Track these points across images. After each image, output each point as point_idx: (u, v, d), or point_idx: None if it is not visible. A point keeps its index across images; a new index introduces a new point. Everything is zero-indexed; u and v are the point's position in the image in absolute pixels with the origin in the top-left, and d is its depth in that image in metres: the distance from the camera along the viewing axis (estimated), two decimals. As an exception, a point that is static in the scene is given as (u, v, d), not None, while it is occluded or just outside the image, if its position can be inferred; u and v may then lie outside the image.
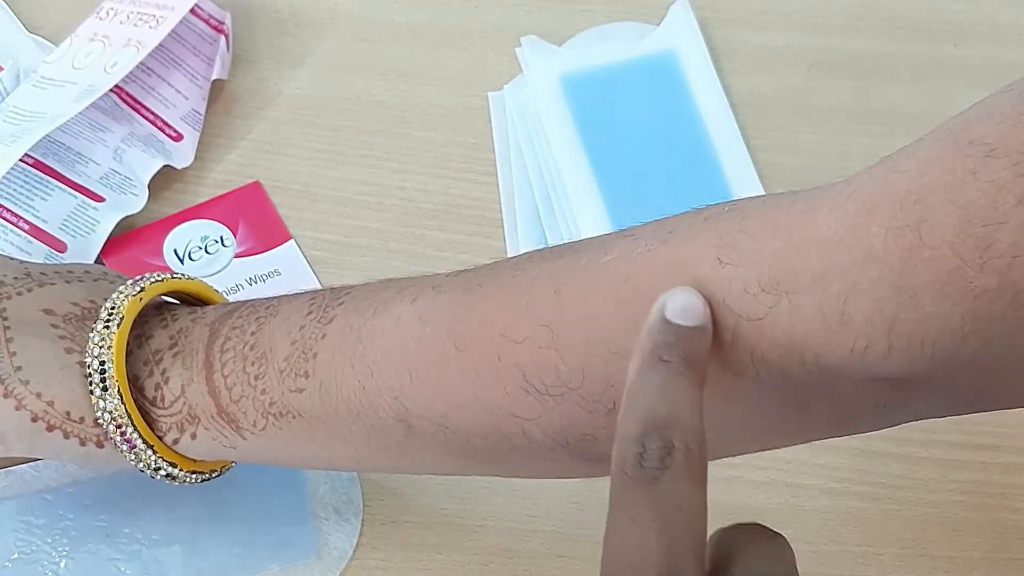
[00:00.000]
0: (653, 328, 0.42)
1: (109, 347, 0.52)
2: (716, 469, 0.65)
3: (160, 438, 0.53)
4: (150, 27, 0.73)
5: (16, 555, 0.60)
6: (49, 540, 0.61)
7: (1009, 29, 0.80)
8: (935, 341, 0.40)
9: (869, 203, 0.41)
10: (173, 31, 0.74)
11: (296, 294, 0.54)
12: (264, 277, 0.71)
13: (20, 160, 0.69)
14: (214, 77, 0.75)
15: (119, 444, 0.53)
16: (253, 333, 0.52)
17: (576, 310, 0.45)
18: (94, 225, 0.70)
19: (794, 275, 0.42)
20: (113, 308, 0.54)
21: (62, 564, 0.60)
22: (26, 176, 0.70)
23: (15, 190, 0.69)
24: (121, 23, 0.74)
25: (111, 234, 0.70)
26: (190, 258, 0.71)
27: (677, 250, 0.45)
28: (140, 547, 0.61)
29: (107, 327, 0.53)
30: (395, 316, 0.49)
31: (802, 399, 0.44)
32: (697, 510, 0.39)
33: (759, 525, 0.42)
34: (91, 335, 0.53)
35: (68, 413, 0.53)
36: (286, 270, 0.71)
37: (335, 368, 0.50)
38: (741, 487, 0.65)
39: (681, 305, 0.42)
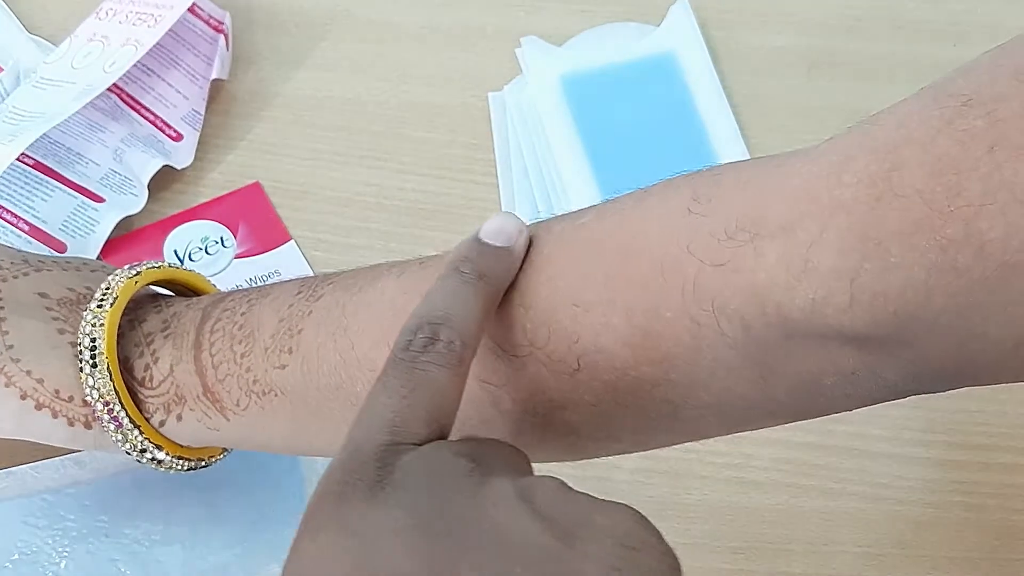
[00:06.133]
0: (462, 243, 0.46)
1: (101, 325, 0.53)
2: (716, 469, 0.66)
3: (147, 420, 0.53)
4: (148, 26, 0.73)
5: (16, 555, 0.60)
6: (49, 540, 0.61)
7: (1009, 29, 0.79)
8: (899, 296, 0.40)
9: (844, 154, 0.41)
10: (172, 31, 0.74)
11: (290, 279, 0.55)
12: (264, 278, 0.71)
13: (20, 161, 0.69)
14: (213, 77, 0.75)
15: (106, 424, 0.53)
16: (243, 314, 0.53)
17: (545, 268, 0.46)
18: (94, 225, 0.70)
19: (762, 221, 0.42)
20: (108, 289, 0.54)
21: (62, 564, 0.60)
22: (26, 177, 0.70)
23: (15, 191, 0.69)
24: (120, 23, 0.74)
25: (111, 235, 0.70)
26: (190, 258, 0.71)
27: (650, 203, 0.45)
28: (140, 547, 0.61)
29: (100, 306, 0.53)
30: (379, 290, 0.50)
31: (764, 359, 0.44)
32: (444, 390, 0.42)
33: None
34: (84, 314, 0.53)
35: (57, 391, 0.53)
36: (286, 270, 0.71)
37: (318, 343, 0.50)
38: (741, 487, 0.65)
39: (495, 226, 0.46)
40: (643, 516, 0.38)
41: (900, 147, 0.40)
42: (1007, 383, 0.43)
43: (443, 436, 0.42)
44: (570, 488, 0.40)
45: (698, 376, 0.45)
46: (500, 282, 0.46)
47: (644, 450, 0.52)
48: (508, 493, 0.38)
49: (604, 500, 0.39)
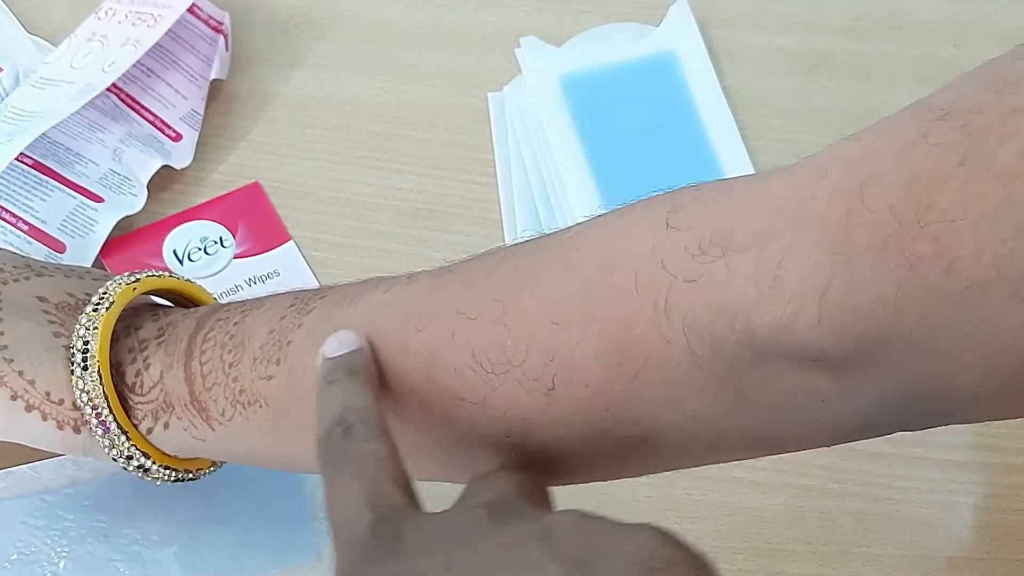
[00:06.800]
0: (320, 367, 0.47)
1: (95, 328, 0.53)
2: (716, 470, 0.65)
3: (135, 426, 0.53)
4: (148, 26, 0.73)
5: (15, 556, 0.60)
6: (48, 541, 0.61)
7: (1009, 30, 0.80)
8: (868, 314, 0.39)
9: (819, 168, 0.41)
10: (172, 31, 0.74)
11: (286, 291, 0.54)
12: (263, 278, 0.71)
13: (19, 161, 0.69)
14: (213, 77, 0.75)
15: (94, 428, 0.53)
16: (236, 323, 0.53)
17: (528, 282, 0.46)
18: (93, 225, 0.70)
19: (734, 235, 0.41)
20: (105, 293, 0.54)
21: (61, 565, 0.60)
22: (25, 177, 0.70)
23: (14, 191, 0.69)
24: (119, 22, 0.74)
25: (110, 235, 0.70)
26: (189, 259, 0.71)
27: (630, 218, 0.45)
28: (139, 548, 0.61)
29: (96, 310, 0.53)
30: (368, 304, 0.50)
31: (734, 380, 0.43)
32: (386, 456, 0.43)
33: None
34: (80, 317, 0.53)
35: (48, 393, 0.53)
36: (285, 271, 0.71)
37: (304, 355, 0.50)
38: (741, 487, 0.65)
39: (335, 344, 0.47)
40: (667, 533, 0.37)
41: (873, 160, 0.39)
42: (994, 419, 0.42)
43: (416, 494, 0.43)
44: (590, 518, 0.39)
45: (669, 397, 0.44)
46: (370, 375, 0.47)
47: (618, 478, 0.51)
48: (527, 535, 0.38)
49: (625, 524, 0.38)
